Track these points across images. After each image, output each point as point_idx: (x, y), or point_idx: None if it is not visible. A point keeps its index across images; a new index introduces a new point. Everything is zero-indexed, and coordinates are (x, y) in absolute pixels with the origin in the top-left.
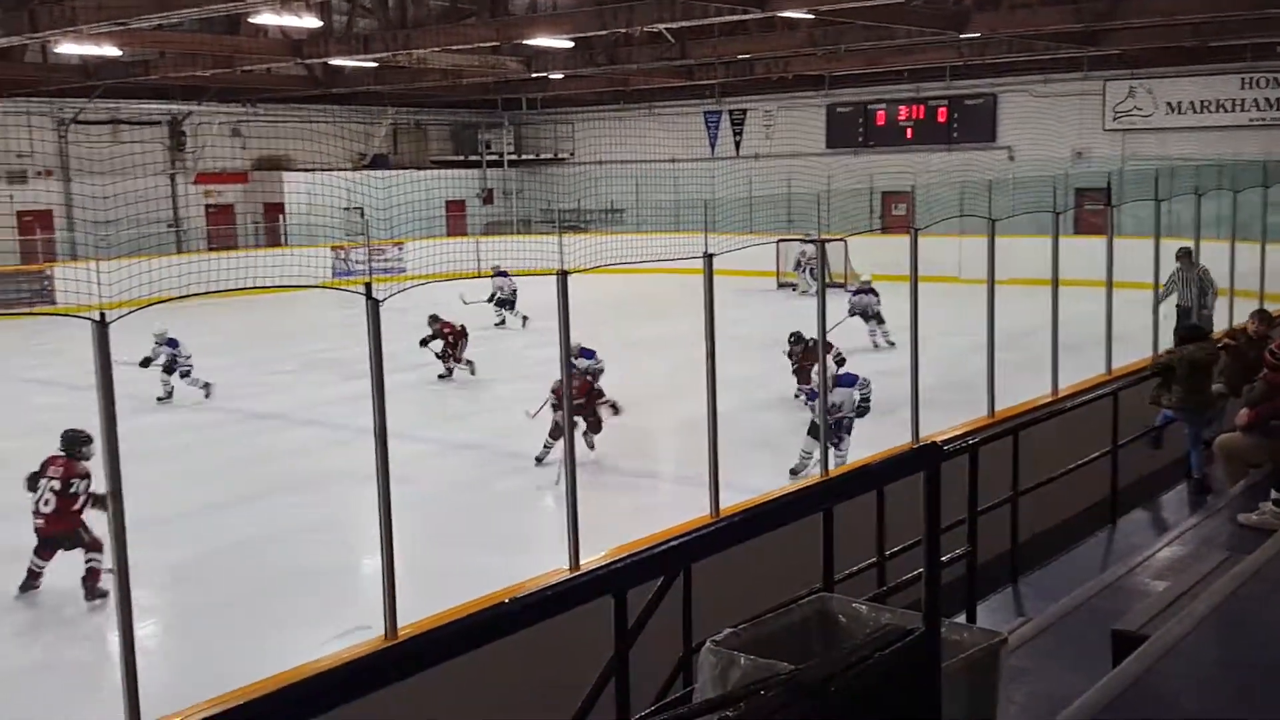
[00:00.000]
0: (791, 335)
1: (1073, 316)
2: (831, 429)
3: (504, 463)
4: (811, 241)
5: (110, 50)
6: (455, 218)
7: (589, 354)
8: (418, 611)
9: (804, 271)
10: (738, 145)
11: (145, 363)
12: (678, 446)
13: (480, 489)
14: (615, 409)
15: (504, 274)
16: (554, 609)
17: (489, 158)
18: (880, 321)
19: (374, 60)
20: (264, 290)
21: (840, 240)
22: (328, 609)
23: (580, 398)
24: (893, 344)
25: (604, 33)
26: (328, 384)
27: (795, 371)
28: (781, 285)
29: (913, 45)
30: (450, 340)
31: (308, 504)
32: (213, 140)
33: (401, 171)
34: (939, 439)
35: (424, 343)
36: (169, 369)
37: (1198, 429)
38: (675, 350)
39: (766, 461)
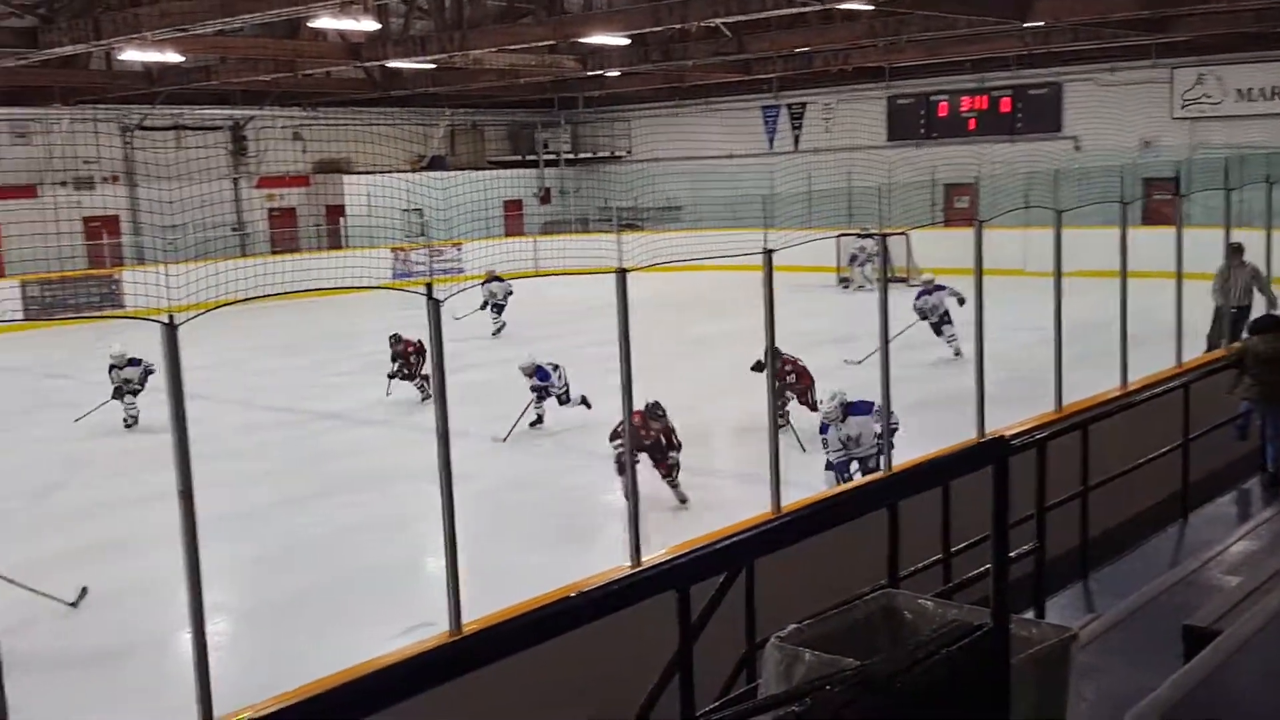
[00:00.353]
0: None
1: (1142, 309)
2: (843, 470)
3: (563, 460)
4: (869, 236)
5: (173, 56)
6: (513, 217)
7: (544, 374)
8: (480, 608)
9: (860, 266)
10: (796, 140)
11: (118, 393)
12: (738, 444)
13: (540, 486)
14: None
15: (498, 279)
16: (618, 603)
17: (546, 157)
18: (945, 321)
19: (431, 62)
20: (326, 292)
21: (901, 234)
22: (391, 606)
23: (648, 440)
24: (958, 354)
25: (660, 29)
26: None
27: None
28: (842, 281)
29: (975, 35)
30: (410, 359)
31: (370, 502)
32: (274, 144)
33: (459, 172)
34: (1006, 433)
35: (400, 376)
36: (142, 385)
37: (1275, 421)
38: (735, 347)
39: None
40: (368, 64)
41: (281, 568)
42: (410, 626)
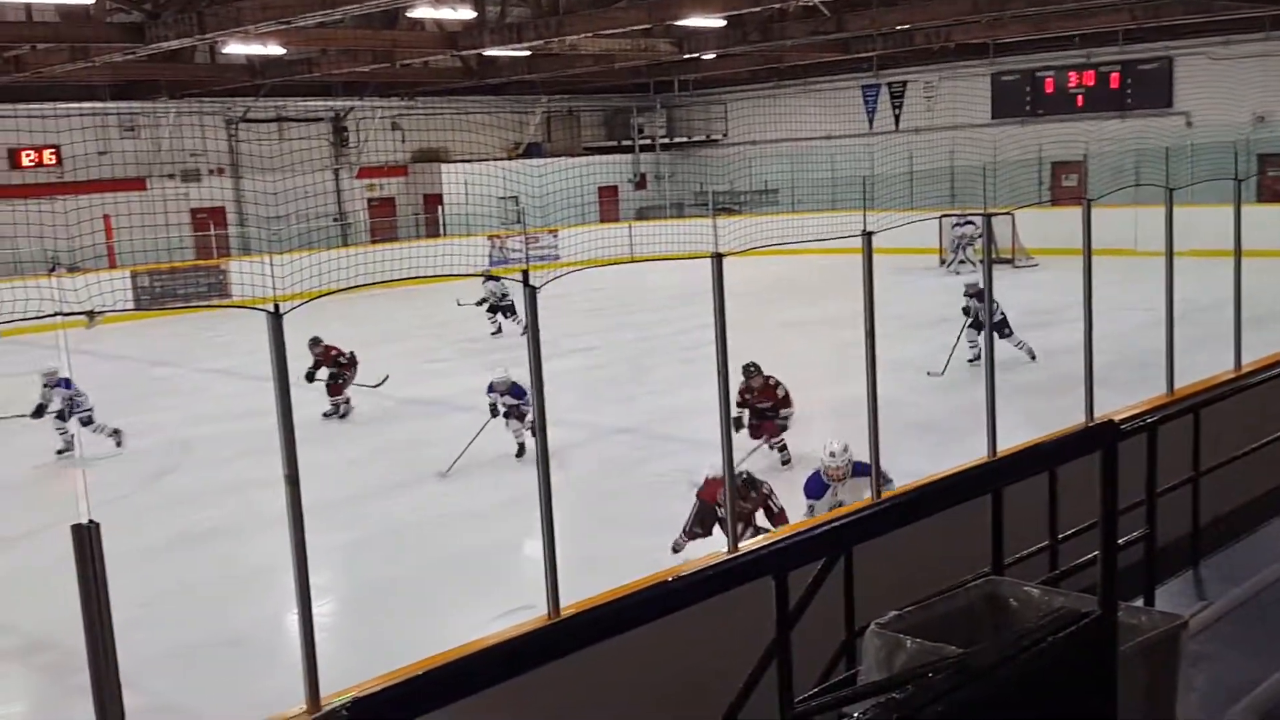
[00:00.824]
0: (748, 366)
1: (1256, 288)
2: None
3: (659, 446)
4: (967, 219)
5: (275, 49)
6: (608, 203)
7: (519, 392)
8: (577, 593)
9: (961, 248)
10: (897, 119)
11: (39, 411)
12: (836, 429)
13: (635, 472)
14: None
15: (495, 279)
16: (715, 588)
17: (641, 142)
18: (1003, 333)
19: (527, 49)
20: (424, 280)
21: (1007, 214)
22: (490, 590)
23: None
24: (1033, 356)
25: (757, 9)
26: (485, 370)
27: (750, 425)
28: (943, 263)
29: (1082, 9)
30: (339, 369)
31: (466, 488)
32: (373, 134)
33: (555, 159)
34: (1115, 417)
35: (309, 377)
36: (64, 415)
37: None
38: (832, 332)
39: (928, 444)
40: (464, 52)
41: (382, 552)
42: (508, 610)
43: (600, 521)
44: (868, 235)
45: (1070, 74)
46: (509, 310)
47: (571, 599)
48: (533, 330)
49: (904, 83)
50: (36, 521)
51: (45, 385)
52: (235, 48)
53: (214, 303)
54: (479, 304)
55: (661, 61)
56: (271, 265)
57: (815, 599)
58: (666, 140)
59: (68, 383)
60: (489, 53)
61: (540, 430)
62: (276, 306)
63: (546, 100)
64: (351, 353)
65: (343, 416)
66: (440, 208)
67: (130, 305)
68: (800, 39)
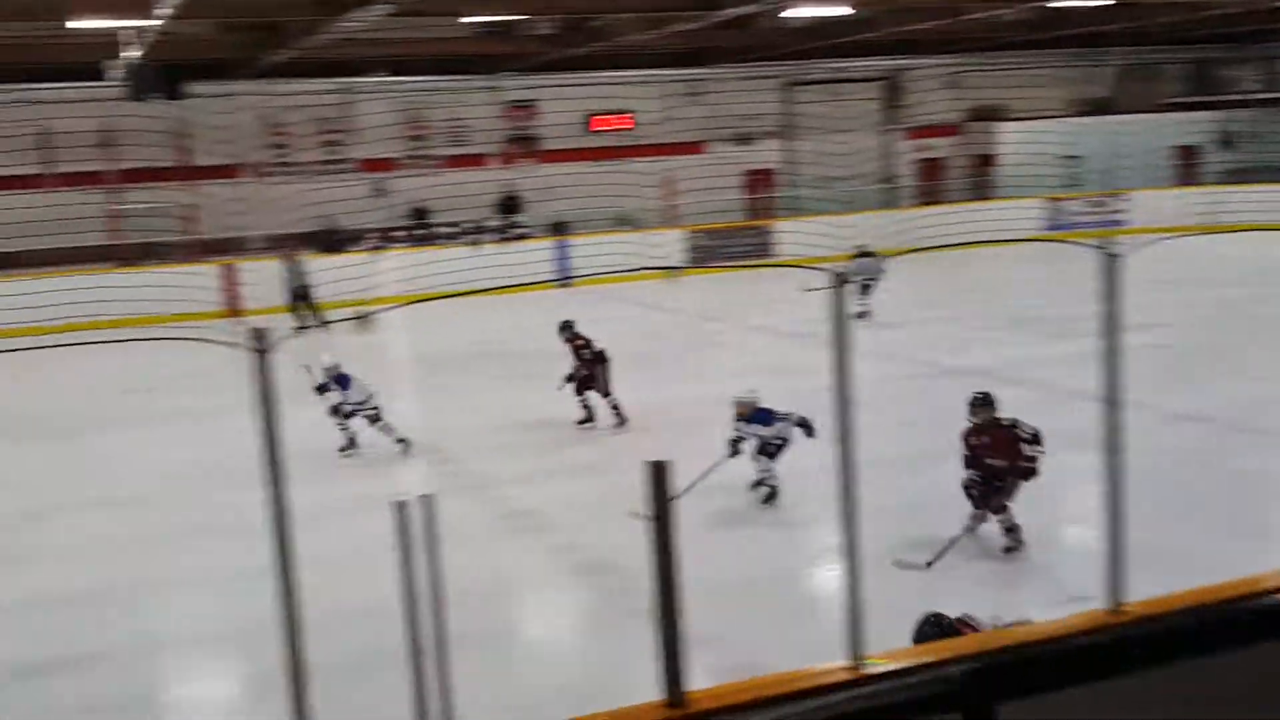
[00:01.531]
0: (976, 396)
1: None
2: None
3: (1240, 439)
4: None
5: (838, 10)
6: (1187, 165)
7: (764, 418)
8: (1135, 591)
9: None
10: None
11: (336, 411)
12: None
13: (1213, 466)
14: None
15: (869, 254)
16: None
17: (1230, 98)
18: None
19: None
20: (975, 245)
21: None
22: (1034, 573)
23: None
24: None
25: None
26: (1036, 343)
27: (973, 464)
28: None
29: None
30: (582, 363)
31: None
32: (927, 94)
33: (1126, 116)
34: None
35: (570, 378)
36: (337, 410)
37: None
38: None
39: None
40: (1031, 5)
41: (921, 519)
42: (1064, 598)
43: (1165, 515)
44: None
45: None
46: (867, 288)
47: (1134, 595)
48: (1112, 306)
49: None
50: (612, 450)
51: (328, 382)
52: (799, 11)
53: (765, 261)
54: (842, 284)
55: (1258, 7)
56: (829, 225)
57: None
58: (1264, 95)
59: (344, 379)
60: (1058, 4)
61: (1111, 410)
62: (832, 269)
63: (1121, 53)
64: (601, 349)
65: (585, 420)
66: (994, 168)
67: (695, 262)
68: None
